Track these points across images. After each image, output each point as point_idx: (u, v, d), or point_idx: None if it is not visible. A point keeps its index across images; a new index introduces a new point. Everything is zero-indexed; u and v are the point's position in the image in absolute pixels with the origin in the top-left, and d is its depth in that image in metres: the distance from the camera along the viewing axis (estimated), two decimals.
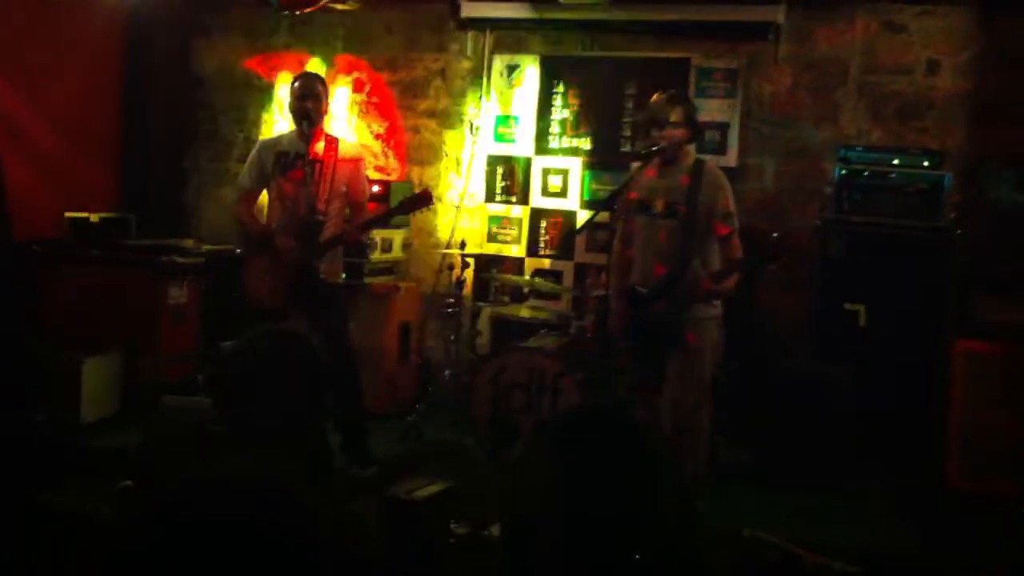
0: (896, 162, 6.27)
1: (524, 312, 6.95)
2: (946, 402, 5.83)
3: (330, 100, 6.07)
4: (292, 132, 5.75)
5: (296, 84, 5.71)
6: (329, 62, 8.12)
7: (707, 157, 6.43)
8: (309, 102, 5.58)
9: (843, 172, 6.28)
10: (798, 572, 4.44)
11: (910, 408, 5.91)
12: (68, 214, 7.09)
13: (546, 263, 7.63)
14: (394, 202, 6.07)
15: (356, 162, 5.80)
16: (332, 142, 5.66)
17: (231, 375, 2.78)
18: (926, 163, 6.24)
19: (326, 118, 5.83)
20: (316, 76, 5.93)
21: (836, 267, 6.20)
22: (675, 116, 5.27)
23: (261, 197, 5.95)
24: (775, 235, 5.48)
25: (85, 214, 7.14)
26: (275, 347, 2.81)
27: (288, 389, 2.69)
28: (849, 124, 6.88)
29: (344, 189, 5.66)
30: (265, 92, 8.25)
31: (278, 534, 1.59)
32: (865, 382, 5.86)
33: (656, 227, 5.30)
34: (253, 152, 5.82)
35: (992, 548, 4.83)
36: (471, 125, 7.79)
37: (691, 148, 5.37)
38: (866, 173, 6.25)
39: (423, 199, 5.66)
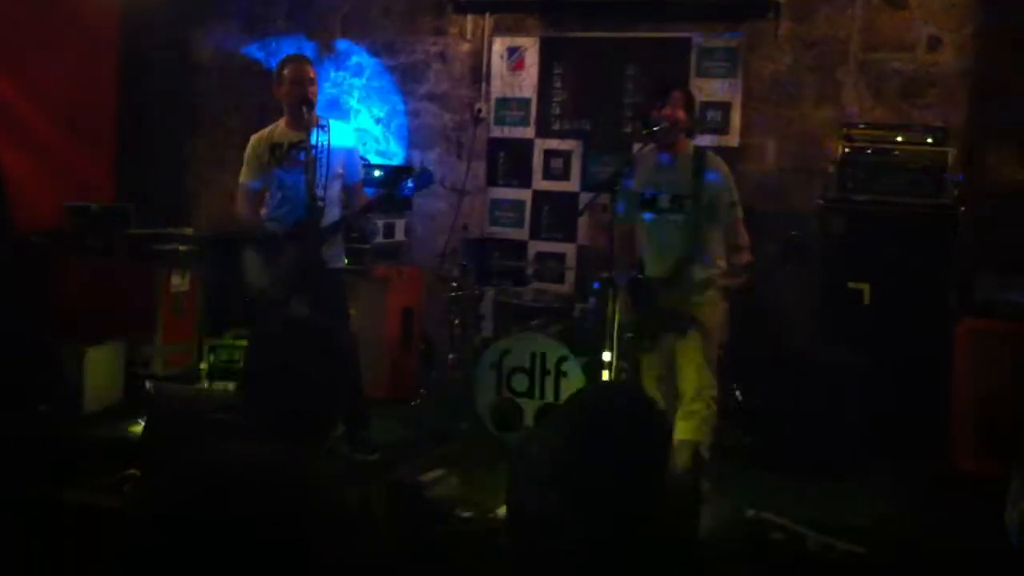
0: (898, 140, 6.23)
1: (527, 296, 6.94)
2: (951, 381, 5.81)
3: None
4: (281, 122, 5.69)
5: (287, 70, 5.60)
6: (328, 47, 8.09)
7: (708, 137, 6.44)
8: (306, 87, 5.54)
9: (845, 150, 6.25)
10: (803, 552, 4.44)
11: (914, 387, 5.88)
12: (67, 204, 7.06)
13: (549, 246, 7.61)
14: (396, 186, 6.05)
15: (350, 145, 5.78)
16: (325, 126, 5.61)
17: (252, 363, 2.77)
18: (929, 140, 6.20)
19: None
20: (306, 59, 5.84)
21: (839, 246, 6.18)
22: (675, 96, 5.27)
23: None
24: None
25: (84, 203, 7.10)
26: (296, 335, 2.80)
27: (310, 377, 2.68)
28: (851, 102, 6.84)
29: (340, 171, 5.63)
30: (264, 78, 8.21)
31: (275, 524, 1.58)
32: (868, 361, 5.84)
33: (664, 222, 5.29)
34: (247, 150, 5.73)
35: (998, 527, 4.81)
36: (472, 108, 7.77)
37: (689, 140, 5.36)
38: (868, 151, 6.22)
39: (423, 177, 5.64)
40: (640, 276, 5.37)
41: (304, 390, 2.62)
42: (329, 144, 5.56)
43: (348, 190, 5.73)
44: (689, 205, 5.20)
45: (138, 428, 5.71)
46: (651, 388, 5.45)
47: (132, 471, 4.32)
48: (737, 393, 6.15)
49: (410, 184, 5.64)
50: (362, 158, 6.35)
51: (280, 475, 1.65)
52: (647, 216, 5.35)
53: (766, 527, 4.59)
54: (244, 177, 5.75)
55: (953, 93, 6.62)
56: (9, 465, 4.37)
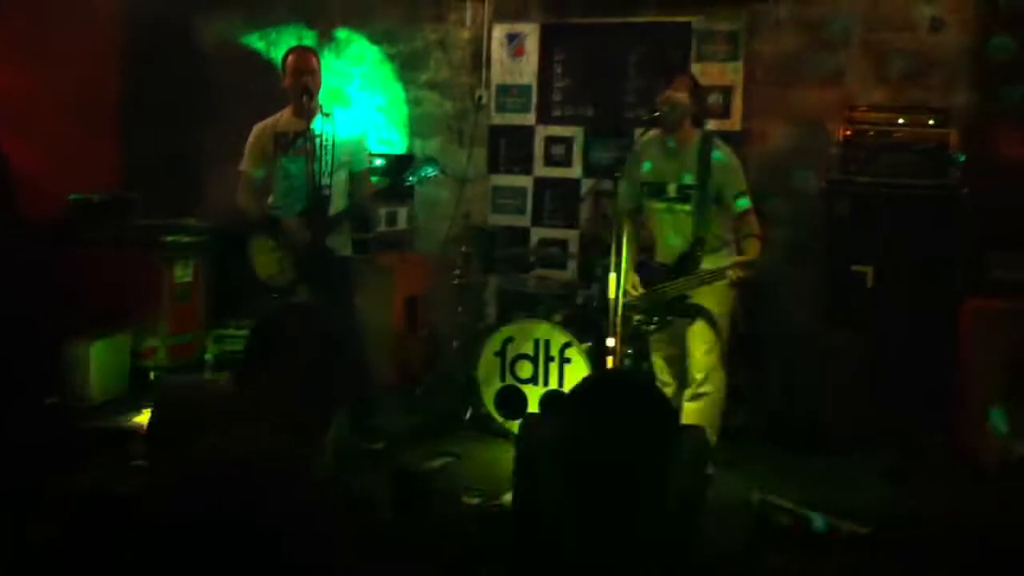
0: (901, 121, 6.22)
1: (530, 282, 6.94)
2: (955, 361, 5.80)
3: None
4: (287, 111, 5.71)
5: (290, 59, 5.63)
6: (327, 36, 8.08)
7: (710, 122, 6.41)
8: (307, 77, 5.53)
9: (848, 132, 6.24)
10: (808, 534, 4.45)
11: (920, 369, 5.88)
12: (71, 195, 7.05)
13: (552, 233, 7.60)
14: (398, 175, 6.05)
15: (356, 134, 5.78)
16: (329, 115, 5.62)
17: (248, 351, 2.75)
18: (931, 122, 6.18)
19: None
20: (310, 49, 5.86)
21: (842, 228, 6.17)
22: (678, 82, 5.26)
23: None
24: None
25: (87, 195, 7.09)
26: (293, 322, 2.78)
27: (305, 365, 2.66)
28: (853, 83, 6.81)
29: (347, 159, 5.63)
30: (265, 67, 8.20)
31: (278, 513, 1.58)
32: (873, 343, 5.84)
33: (670, 210, 5.28)
34: (250, 139, 5.76)
35: (1004, 509, 4.81)
36: (473, 95, 7.76)
37: (695, 129, 5.32)
38: (871, 133, 6.21)
39: (428, 163, 5.66)
40: (649, 261, 5.38)
41: (302, 378, 2.60)
42: (334, 133, 5.56)
43: (354, 179, 5.72)
44: (696, 194, 5.18)
45: (143, 418, 5.74)
46: (659, 370, 5.47)
47: (139, 461, 4.33)
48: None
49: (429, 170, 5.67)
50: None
51: (278, 468, 1.65)
52: (654, 203, 5.35)
53: (772, 510, 4.61)
54: (248, 167, 5.76)
55: (956, 73, 6.59)
56: (18, 454, 4.39)
